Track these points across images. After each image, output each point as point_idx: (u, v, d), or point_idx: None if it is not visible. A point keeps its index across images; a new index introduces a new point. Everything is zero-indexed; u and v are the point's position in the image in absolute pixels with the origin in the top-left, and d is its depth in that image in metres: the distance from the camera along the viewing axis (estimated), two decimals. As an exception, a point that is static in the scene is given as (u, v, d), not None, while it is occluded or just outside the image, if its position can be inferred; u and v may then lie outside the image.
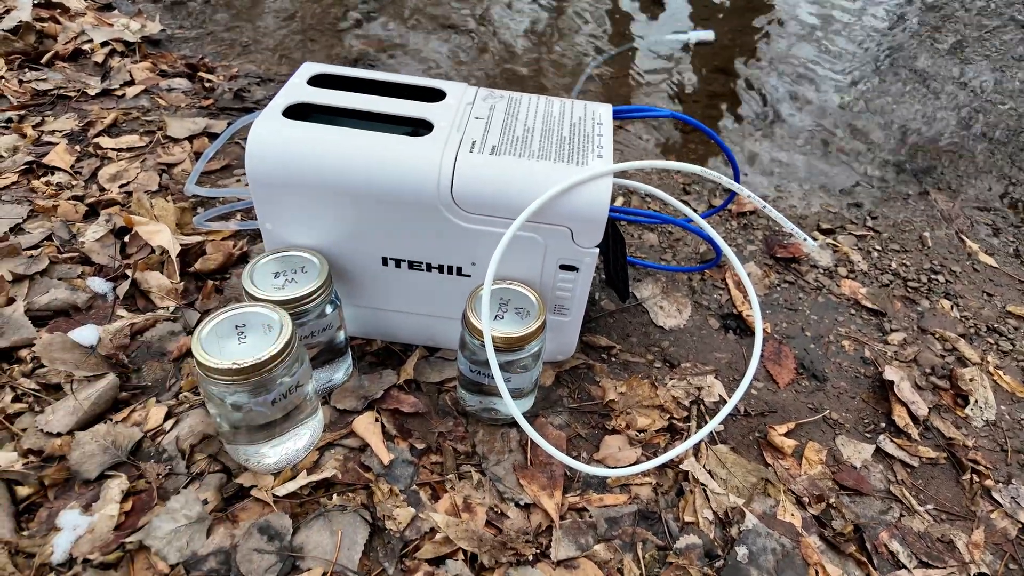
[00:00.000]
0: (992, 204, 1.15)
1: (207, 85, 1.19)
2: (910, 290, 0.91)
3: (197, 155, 0.99)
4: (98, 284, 0.74)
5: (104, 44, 1.24)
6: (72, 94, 1.09)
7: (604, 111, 0.66)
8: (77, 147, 0.97)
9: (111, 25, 1.31)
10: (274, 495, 0.56)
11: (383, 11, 1.56)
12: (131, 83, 1.16)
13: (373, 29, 1.50)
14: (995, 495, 0.67)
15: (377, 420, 0.63)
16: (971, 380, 0.77)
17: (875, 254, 0.97)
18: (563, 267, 0.62)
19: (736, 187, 0.60)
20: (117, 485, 0.54)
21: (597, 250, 0.60)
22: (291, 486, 0.56)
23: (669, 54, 1.51)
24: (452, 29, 1.52)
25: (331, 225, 0.60)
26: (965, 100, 1.42)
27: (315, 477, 0.57)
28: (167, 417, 0.61)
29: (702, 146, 1.24)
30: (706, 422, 0.69)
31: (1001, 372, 0.80)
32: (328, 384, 0.66)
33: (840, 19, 1.70)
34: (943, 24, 1.70)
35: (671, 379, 0.73)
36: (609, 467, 0.63)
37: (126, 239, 0.80)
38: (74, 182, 0.91)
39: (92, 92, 1.10)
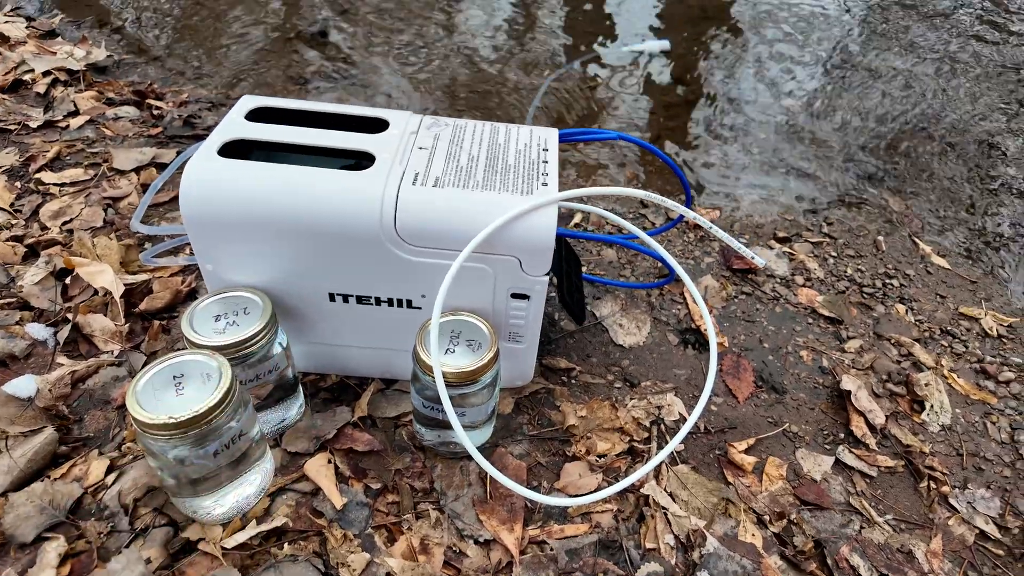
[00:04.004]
0: (944, 205, 1.17)
1: (155, 112, 1.16)
2: (866, 296, 0.93)
3: (144, 187, 0.97)
4: (37, 330, 0.72)
5: (46, 73, 1.20)
6: (12, 127, 1.06)
7: (550, 136, 0.65)
8: (17, 183, 0.94)
9: (54, 53, 1.27)
10: (222, 547, 0.54)
11: (339, 30, 1.55)
12: (75, 113, 1.12)
13: (327, 51, 1.49)
14: (952, 501, 0.68)
15: (330, 461, 0.61)
16: (927, 385, 0.78)
17: (831, 260, 0.99)
18: (514, 296, 0.61)
19: (682, 210, 0.60)
20: (54, 548, 0.52)
21: (547, 277, 0.60)
22: (240, 537, 0.54)
23: (625, 66, 1.51)
24: (410, 47, 1.51)
25: (273, 264, 0.58)
26: (918, 103, 1.45)
27: (265, 527, 0.55)
28: (109, 470, 0.59)
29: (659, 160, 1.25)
30: (667, 442, 0.68)
31: (955, 375, 0.81)
32: (281, 424, 0.64)
33: (795, 26, 1.73)
34: (897, 28, 1.74)
35: (631, 399, 0.73)
36: (570, 495, 0.63)
37: (67, 281, 0.77)
38: (14, 221, 0.88)
39: (34, 124, 1.07)
